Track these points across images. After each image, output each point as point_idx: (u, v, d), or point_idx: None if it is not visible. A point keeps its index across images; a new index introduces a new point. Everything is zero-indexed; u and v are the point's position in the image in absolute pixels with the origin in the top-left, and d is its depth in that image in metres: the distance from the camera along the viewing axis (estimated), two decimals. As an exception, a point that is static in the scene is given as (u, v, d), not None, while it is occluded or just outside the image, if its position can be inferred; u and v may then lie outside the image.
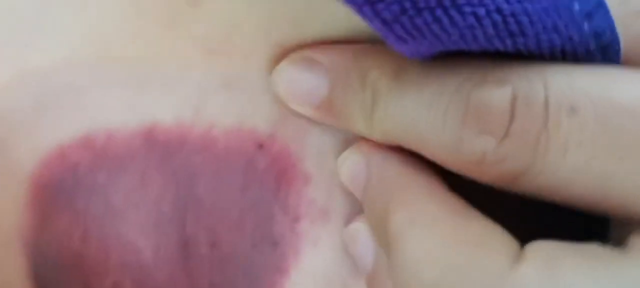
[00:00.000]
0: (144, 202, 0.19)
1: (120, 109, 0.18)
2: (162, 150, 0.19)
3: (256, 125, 0.19)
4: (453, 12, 0.15)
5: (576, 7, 0.15)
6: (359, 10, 0.15)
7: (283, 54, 0.19)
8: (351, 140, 0.20)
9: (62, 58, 0.18)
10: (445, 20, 0.15)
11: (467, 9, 0.15)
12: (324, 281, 0.20)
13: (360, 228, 0.20)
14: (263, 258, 0.20)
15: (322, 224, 0.20)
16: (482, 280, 0.15)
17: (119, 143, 0.18)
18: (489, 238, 0.16)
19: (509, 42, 0.15)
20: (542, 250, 0.15)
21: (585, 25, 0.15)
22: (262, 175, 0.19)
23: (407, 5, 0.14)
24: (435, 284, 0.16)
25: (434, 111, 0.16)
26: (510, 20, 0.15)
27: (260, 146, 0.19)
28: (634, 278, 0.14)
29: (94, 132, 0.18)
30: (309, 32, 0.18)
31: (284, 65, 0.19)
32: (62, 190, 0.18)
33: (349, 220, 0.20)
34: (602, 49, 0.16)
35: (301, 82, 0.19)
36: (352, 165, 0.19)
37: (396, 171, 0.18)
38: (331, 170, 0.20)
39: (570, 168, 0.15)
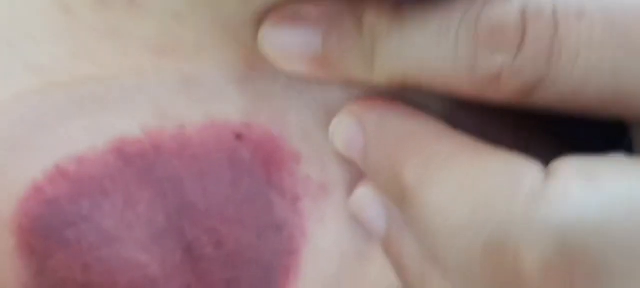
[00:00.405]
0: (136, 219, 0.18)
1: (83, 132, 0.18)
2: (138, 163, 0.18)
3: (228, 117, 0.18)
4: None
5: None
6: None
7: (236, 35, 0.18)
8: (333, 108, 0.19)
9: (11, 95, 0.17)
10: None
11: None
12: (337, 255, 0.20)
13: (365, 194, 0.19)
14: (271, 246, 0.19)
15: (323, 200, 0.19)
16: (516, 206, 0.14)
17: (92, 167, 0.18)
18: (510, 164, 0.15)
19: None
20: (572, 164, 0.15)
21: None
22: (249, 165, 0.19)
23: None
24: (467, 226, 0.15)
25: (444, 39, 0.16)
26: None
27: (239, 136, 0.18)
28: None
29: (64, 162, 0.17)
30: (259, 2, 0.17)
31: (268, 27, 0.18)
32: (49, 227, 0.18)
33: (350, 190, 0.19)
34: None
35: (291, 41, 0.18)
36: (345, 130, 0.18)
37: (396, 124, 0.18)
38: (320, 144, 0.19)
39: (583, 70, 0.15)
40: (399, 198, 0.17)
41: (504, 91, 0.16)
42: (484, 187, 0.15)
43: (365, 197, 0.19)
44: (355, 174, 0.19)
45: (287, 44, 0.18)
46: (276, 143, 0.19)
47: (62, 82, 0.17)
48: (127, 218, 0.18)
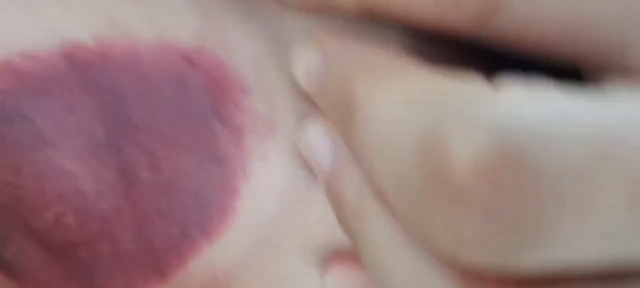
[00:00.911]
0: (75, 127, 0.18)
1: (39, 31, 0.18)
2: (85, 71, 0.18)
3: (181, 39, 0.18)
4: None
5: None
6: None
7: None
8: (287, 41, 0.19)
9: None
10: None
11: None
12: (277, 197, 0.19)
13: (315, 130, 0.19)
14: (210, 179, 0.19)
15: (268, 138, 0.19)
16: (457, 104, 0.14)
17: (40, 66, 0.18)
18: (460, 78, 0.15)
19: None
20: (518, 82, 0.14)
21: None
22: (196, 90, 0.18)
23: None
24: (403, 125, 0.14)
25: None
26: None
27: (189, 60, 0.18)
28: (621, 107, 0.13)
29: (14, 56, 0.17)
30: None
31: None
32: None
33: (296, 133, 0.19)
34: None
35: None
36: (307, 58, 0.18)
37: (356, 50, 0.18)
38: (270, 79, 0.19)
39: None
40: (347, 116, 0.17)
41: (463, 11, 0.16)
42: (429, 91, 0.15)
43: (315, 133, 0.19)
44: (303, 115, 0.19)
45: None
46: (225, 70, 0.18)
47: None
48: (65, 124, 0.18)
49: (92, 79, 0.18)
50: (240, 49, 0.19)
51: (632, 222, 0.13)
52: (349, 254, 0.20)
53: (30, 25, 0.18)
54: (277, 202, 0.19)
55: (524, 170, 0.13)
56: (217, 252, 0.20)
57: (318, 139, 0.19)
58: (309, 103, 0.19)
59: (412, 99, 0.15)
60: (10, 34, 0.18)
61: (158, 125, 0.18)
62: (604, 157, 0.13)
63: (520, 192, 0.13)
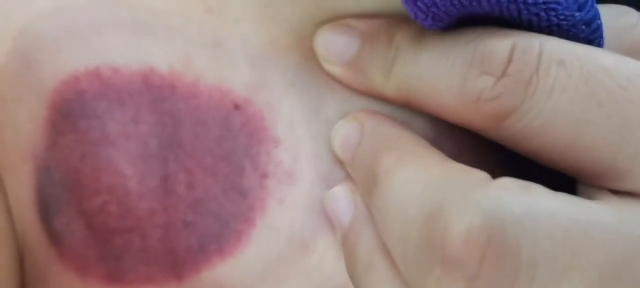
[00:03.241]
0: (135, 136, 0.22)
1: (126, 50, 0.22)
2: (155, 92, 0.22)
3: (234, 87, 0.22)
4: None
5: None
6: None
7: (269, 24, 0.22)
8: (322, 113, 0.22)
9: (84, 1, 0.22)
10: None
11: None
12: (286, 237, 0.22)
13: (342, 189, 0.22)
14: (233, 206, 0.22)
15: (288, 185, 0.22)
16: (460, 189, 0.17)
17: (121, 79, 0.22)
18: (469, 168, 0.18)
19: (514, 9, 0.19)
20: (514, 179, 0.17)
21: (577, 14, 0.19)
22: (237, 131, 0.22)
23: None
24: (415, 202, 0.18)
25: (444, 60, 0.19)
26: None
27: (237, 106, 0.22)
28: (606, 218, 0.17)
29: (103, 66, 0.22)
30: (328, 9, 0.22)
31: (324, 28, 0.22)
32: (71, 112, 0.22)
33: (314, 186, 0.22)
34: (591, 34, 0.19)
35: (335, 43, 0.22)
36: (346, 129, 0.22)
37: (389, 127, 0.21)
38: (299, 138, 0.22)
39: (553, 109, 0.17)
40: (370, 185, 0.20)
41: (483, 112, 0.18)
42: (440, 176, 0.18)
43: (339, 192, 0.22)
44: (322, 173, 0.22)
45: (332, 44, 0.22)
46: (264, 124, 0.22)
47: (127, 1, 0.22)
48: (128, 131, 0.22)
49: (159, 100, 0.22)
50: (281, 107, 0.22)
51: None
52: None
53: (125, 44, 0.22)
54: (286, 241, 0.22)
55: (506, 247, 0.16)
56: (228, 269, 0.22)
57: (341, 197, 0.22)
58: (329, 166, 0.22)
59: (425, 180, 0.18)
60: (108, 49, 0.22)
61: (201, 151, 0.22)
62: (571, 249, 0.16)
63: (499, 263, 0.16)
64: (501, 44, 0.18)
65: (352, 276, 0.21)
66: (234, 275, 0.22)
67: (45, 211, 0.22)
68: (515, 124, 0.18)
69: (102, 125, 0.22)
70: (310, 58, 0.22)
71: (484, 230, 0.16)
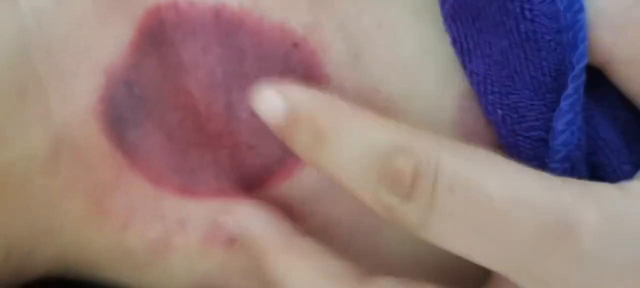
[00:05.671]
0: (203, 64, 0.24)
1: None
2: (224, 27, 0.24)
3: (294, 27, 0.24)
4: None
5: None
6: None
7: None
8: (361, 56, 0.24)
9: None
10: None
11: None
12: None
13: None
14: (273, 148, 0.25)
15: None
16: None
17: (195, 12, 0.24)
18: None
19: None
20: None
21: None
22: (294, 67, 0.24)
23: None
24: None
25: (361, 165, 0.22)
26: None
27: (295, 44, 0.24)
28: None
29: (181, 0, 0.24)
30: None
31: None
32: (152, 36, 0.24)
33: None
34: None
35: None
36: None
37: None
38: (344, 78, 0.24)
39: (449, 230, 0.21)
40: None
41: (398, 222, 0.22)
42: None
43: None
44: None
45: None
46: (317, 61, 0.24)
47: None
48: (197, 60, 0.24)
49: (227, 34, 0.24)
50: (330, 48, 0.24)
51: None
52: None
53: None
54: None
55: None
56: (290, 188, 0.25)
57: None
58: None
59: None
60: None
61: (263, 80, 0.24)
62: None
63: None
64: (407, 166, 0.21)
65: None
66: (294, 194, 0.25)
67: (117, 122, 0.25)
68: (425, 234, 0.21)
69: (178, 52, 0.24)
70: (356, 4, 0.24)
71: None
